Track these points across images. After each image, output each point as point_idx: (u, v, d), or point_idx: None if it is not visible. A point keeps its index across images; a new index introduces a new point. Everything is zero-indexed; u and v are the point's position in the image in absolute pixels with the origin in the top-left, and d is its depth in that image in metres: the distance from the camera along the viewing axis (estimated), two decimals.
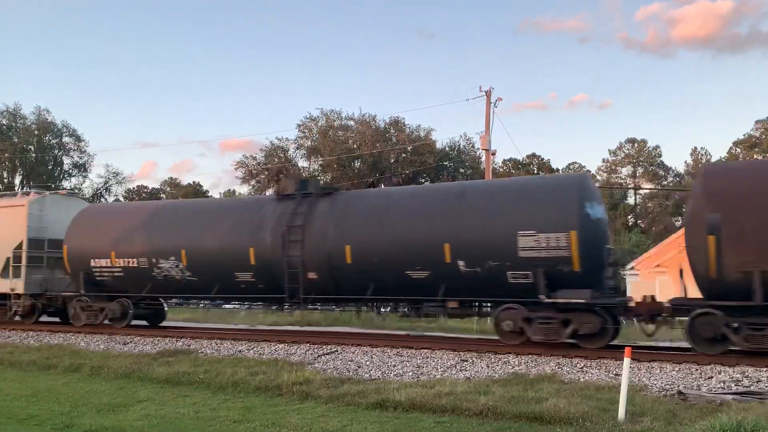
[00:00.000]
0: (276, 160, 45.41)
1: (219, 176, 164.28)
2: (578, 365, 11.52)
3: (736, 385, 9.74)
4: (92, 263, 17.69)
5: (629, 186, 70.15)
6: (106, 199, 49.33)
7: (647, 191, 67.90)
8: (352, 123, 44.94)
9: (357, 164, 44.53)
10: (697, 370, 10.77)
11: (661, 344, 14.52)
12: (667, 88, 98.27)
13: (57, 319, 19.94)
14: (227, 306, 24.64)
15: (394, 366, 12.04)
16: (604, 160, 72.76)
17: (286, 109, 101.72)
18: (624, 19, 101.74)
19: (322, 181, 42.21)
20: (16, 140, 50.00)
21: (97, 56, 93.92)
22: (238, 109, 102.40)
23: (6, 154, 48.86)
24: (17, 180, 51.68)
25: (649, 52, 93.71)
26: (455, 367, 11.80)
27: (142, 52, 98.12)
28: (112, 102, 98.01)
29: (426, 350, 13.28)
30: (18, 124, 50.83)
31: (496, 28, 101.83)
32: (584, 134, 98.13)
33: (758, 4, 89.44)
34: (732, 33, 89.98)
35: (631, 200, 71.38)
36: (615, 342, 13.22)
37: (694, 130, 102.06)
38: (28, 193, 20.42)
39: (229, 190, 69.84)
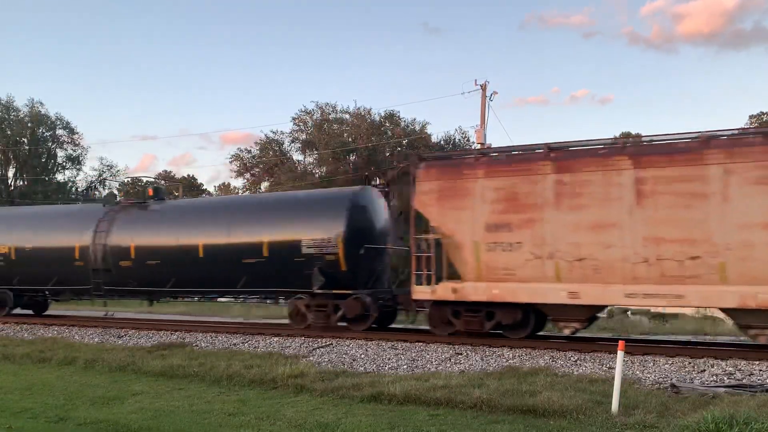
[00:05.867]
0: (271, 153, 45.24)
1: (219, 169, 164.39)
2: (572, 358, 11.57)
3: (728, 378, 9.81)
4: None
5: None
6: (100, 192, 48.91)
7: None
8: (347, 116, 44.84)
9: (352, 158, 44.44)
10: (690, 363, 10.83)
11: (653, 337, 14.59)
12: (669, 83, 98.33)
13: None
14: (222, 300, 24.71)
15: (388, 359, 12.07)
16: None
17: (287, 101, 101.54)
18: (629, 15, 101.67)
19: (317, 174, 42.33)
20: (9, 133, 49.67)
21: (95, 48, 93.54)
22: (239, 101, 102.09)
23: None
24: (10, 173, 51.43)
25: (653, 48, 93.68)
26: (450, 360, 11.84)
27: (141, 44, 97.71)
28: (111, 94, 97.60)
29: (421, 343, 13.32)
30: (11, 117, 50.46)
31: (502, 22, 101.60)
32: (584, 129, 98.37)
33: (762, 0, 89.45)
34: (736, 29, 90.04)
35: None
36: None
37: (695, 126, 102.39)
38: None
39: (224, 183, 69.71)
